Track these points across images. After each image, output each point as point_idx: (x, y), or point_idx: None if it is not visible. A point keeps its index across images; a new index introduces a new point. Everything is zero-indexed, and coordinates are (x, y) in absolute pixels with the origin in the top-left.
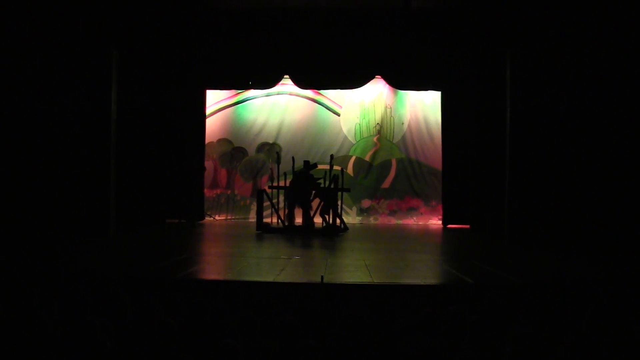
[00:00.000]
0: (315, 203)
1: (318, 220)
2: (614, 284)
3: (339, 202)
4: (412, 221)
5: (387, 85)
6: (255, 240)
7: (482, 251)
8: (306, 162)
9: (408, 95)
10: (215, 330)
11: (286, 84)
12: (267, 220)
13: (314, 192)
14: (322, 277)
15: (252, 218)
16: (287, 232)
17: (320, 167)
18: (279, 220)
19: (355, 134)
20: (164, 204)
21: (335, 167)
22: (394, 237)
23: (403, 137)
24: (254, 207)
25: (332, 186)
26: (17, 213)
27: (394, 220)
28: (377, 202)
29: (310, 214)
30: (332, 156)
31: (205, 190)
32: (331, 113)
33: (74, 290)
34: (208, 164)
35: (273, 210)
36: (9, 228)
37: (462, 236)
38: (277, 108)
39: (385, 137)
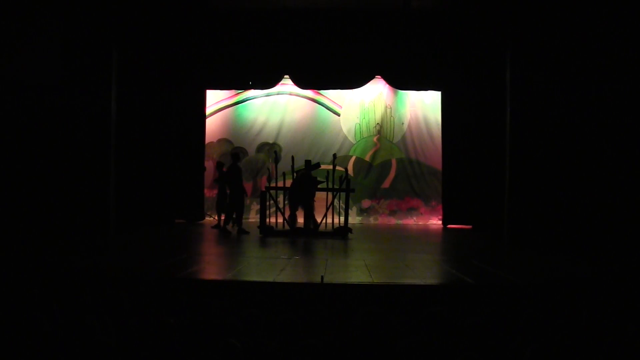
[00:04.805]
0: (318, 203)
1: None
2: (612, 285)
3: (339, 203)
4: (412, 221)
5: (387, 85)
6: (255, 240)
7: (482, 251)
8: (307, 162)
9: (408, 95)
10: (215, 330)
11: (286, 84)
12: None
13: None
14: (322, 277)
15: (252, 218)
16: (292, 235)
17: (322, 167)
18: (284, 222)
19: (355, 134)
20: (164, 204)
21: (338, 168)
22: (394, 237)
23: (403, 137)
24: (254, 207)
25: (343, 186)
26: (18, 212)
27: (394, 220)
28: (377, 202)
29: (314, 215)
30: (334, 155)
31: (205, 190)
32: (331, 113)
33: (74, 290)
34: (208, 164)
35: (278, 212)
36: (9, 228)
37: (462, 236)
38: (277, 108)
39: (385, 137)
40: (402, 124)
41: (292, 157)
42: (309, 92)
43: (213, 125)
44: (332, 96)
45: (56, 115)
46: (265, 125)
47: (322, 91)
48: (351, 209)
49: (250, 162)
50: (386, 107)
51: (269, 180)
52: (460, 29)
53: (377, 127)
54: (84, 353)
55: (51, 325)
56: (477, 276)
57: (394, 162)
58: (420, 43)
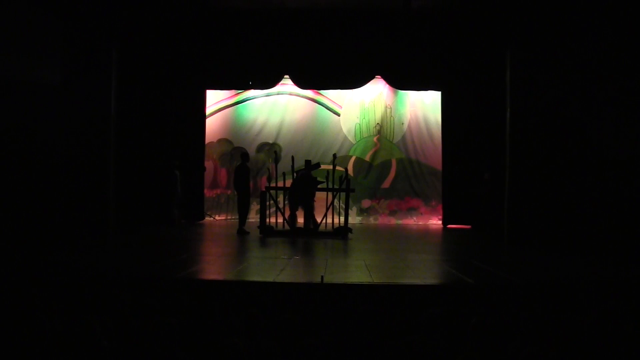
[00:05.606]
0: (318, 203)
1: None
2: (612, 284)
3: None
4: (412, 221)
5: (387, 85)
6: (255, 240)
7: (482, 251)
8: (308, 162)
9: (408, 95)
10: (215, 330)
11: (286, 84)
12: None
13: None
14: (322, 277)
15: (252, 218)
16: (292, 235)
17: (322, 167)
18: (284, 222)
19: (355, 134)
20: (164, 204)
21: (338, 168)
22: (394, 237)
23: (403, 137)
24: (253, 207)
25: (343, 186)
26: (18, 212)
27: (394, 220)
28: (377, 202)
29: (314, 215)
30: (334, 155)
31: (205, 190)
32: (331, 113)
33: (74, 290)
34: (208, 164)
35: (278, 212)
36: (9, 228)
37: (462, 236)
38: (277, 108)
39: (385, 137)
40: (402, 124)
41: (292, 157)
42: (309, 92)
43: (213, 125)
44: (332, 96)
45: (56, 115)
46: (265, 125)
47: (322, 91)
48: (351, 209)
49: (250, 162)
50: (386, 107)
51: (269, 180)
52: (460, 29)
53: (377, 127)
54: (83, 353)
55: (51, 325)
56: (477, 276)
57: (394, 162)
58: (420, 43)
